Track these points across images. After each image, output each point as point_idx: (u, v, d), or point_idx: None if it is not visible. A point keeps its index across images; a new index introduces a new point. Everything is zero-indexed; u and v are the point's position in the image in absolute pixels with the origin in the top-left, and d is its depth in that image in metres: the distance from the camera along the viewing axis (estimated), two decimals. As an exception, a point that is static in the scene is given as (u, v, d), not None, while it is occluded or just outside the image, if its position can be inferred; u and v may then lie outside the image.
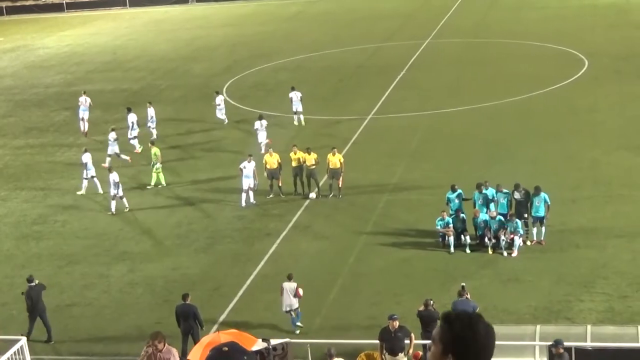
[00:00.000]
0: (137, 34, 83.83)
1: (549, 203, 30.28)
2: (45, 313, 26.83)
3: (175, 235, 33.82)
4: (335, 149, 36.50)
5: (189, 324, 24.46)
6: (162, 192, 38.54)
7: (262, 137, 42.08)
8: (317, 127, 46.19)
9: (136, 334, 26.26)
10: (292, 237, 32.63)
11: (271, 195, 36.57)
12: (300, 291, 25.93)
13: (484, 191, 31.14)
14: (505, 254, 29.46)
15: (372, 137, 43.70)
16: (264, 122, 42.66)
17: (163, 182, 39.25)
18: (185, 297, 24.75)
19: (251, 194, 36.01)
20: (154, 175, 39.25)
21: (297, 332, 25.84)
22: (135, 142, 44.57)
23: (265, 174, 36.53)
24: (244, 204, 35.82)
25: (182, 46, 74.40)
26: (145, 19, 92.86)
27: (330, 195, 35.95)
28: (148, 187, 39.23)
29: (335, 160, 35.93)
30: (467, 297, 23.76)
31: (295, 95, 47.02)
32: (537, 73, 53.33)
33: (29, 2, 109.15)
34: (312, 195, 36.25)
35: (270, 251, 31.55)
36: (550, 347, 21.37)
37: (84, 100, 49.30)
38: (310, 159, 36.18)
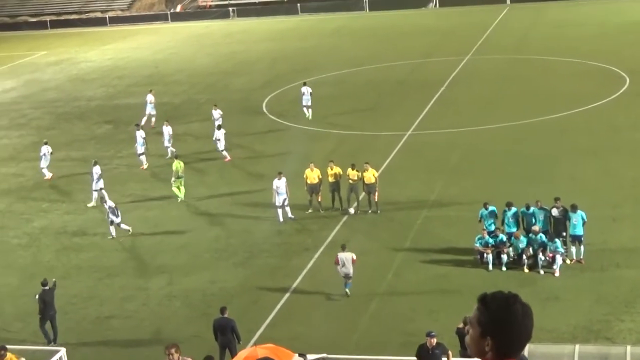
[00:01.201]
0: (178, 48, 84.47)
1: (586, 220, 30.04)
2: (55, 317, 27.34)
3: (213, 249, 33.97)
4: (368, 164, 36.40)
5: (227, 337, 24.54)
6: (200, 206, 38.75)
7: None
8: (357, 142, 46.23)
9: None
10: (330, 253, 32.58)
11: (310, 210, 36.63)
12: (354, 257, 28.89)
13: (531, 209, 30.79)
14: (542, 272, 29.25)
15: (411, 153, 43.66)
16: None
17: (181, 196, 39.26)
18: (223, 310, 24.84)
19: (288, 209, 36.09)
20: (176, 189, 39.35)
21: (349, 293, 28.64)
22: (143, 158, 44.83)
23: (306, 188, 36.58)
24: (281, 219, 35.91)
25: (222, 60, 74.84)
26: (187, 33, 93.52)
27: (369, 211, 35.93)
28: (179, 199, 39.48)
29: (369, 175, 35.90)
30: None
31: (306, 90, 51.60)
32: (577, 90, 52.99)
33: (72, 16, 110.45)
34: (351, 210, 36.25)
35: (308, 266, 31.58)
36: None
37: (152, 98, 53.27)
38: (354, 174, 36.16)
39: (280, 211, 35.90)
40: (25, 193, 42.97)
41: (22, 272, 33.06)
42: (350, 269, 28.77)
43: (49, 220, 38.75)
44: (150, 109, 53.17)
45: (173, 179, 39.56)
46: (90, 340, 27.33)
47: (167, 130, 46.05)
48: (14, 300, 29.41)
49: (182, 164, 39.71)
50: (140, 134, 44.73)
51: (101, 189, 39.22)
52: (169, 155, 45.20)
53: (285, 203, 35.91)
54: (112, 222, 35.67)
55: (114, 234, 35.79)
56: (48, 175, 44.25)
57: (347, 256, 28.90)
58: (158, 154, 44.90)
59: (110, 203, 35.70)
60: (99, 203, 39.02)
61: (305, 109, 51.42)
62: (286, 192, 35.84)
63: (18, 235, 37.35)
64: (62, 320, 28.76)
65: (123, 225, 35.85)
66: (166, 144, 46.01)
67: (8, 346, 23.84)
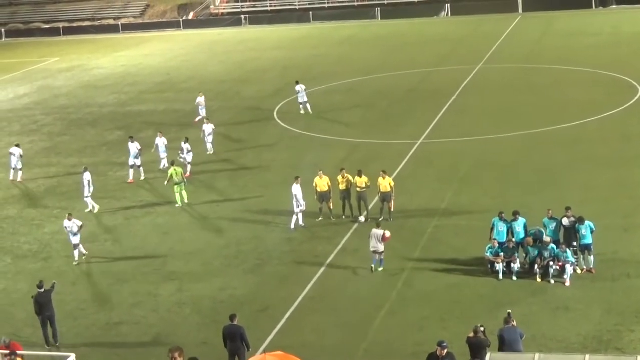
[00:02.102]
0: (190, 55, 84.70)
1: (594, 229, 29.94)
2: (54, 318, 27.46)
3: (223, 256, 33.98)
4: (385, 172, 36.41)
5: (236, 345, 24.50)
6: (211, 213, 38.78)
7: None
8: (367, 151, 46.23)
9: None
10: (340, 260, 32.61)
11: (321, 218, 36.60)
12: (387, 234, 30.90)
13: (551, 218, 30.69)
14: (553, 281, 29.16)
15: (422, 161, 43.62)
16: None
17: (179, 202, 39.90)
18: (232, 318, 24.81)
19: (300, 216, 36.12)
20: (178, 194, 39.88)
21: (381, 269, 30.97)
22: (131, 172, 44.31)
23: (316, 197, 36.57)
24: (293, 226, 35.93)
25: (234, 68, 75.01)
26: (199, 41, 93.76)
27: (381, 219, 35.86)
28: (176, 205, 39.95)
29: (385, 183, 35.84)
30: (513, 325, 23.54)
31: (301, 88, 54.74)
32: (589, 100, 52.90)
33: (85, 23, 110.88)
34: (362, 218, 36.21)
35: (319, 274, 31.54)
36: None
37: (202, 101, 54.78)
38: (361, 181, 36.11)
39: (294, 218, 35.93)
40: (36, 199, 43.10)
41: (33, 278, 33.00)
42: (378, 245, 30.89)
43: (60, 226, 38.76)
44: (201, 112, 54.23)
45: (166, 182, 40.35)
46: (99, 346, 27.33)
47: (162, 141, 45.58)
48: (25, 306, 29.42)
49: (178, 170, 40.10)
50: (135, 146, 44.27)
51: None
52: (166, 165, 44.10)
53: (301, 209, 35.95)
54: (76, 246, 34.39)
55: (76, 257, 34.48)
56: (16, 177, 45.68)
57: (378, 233, 30.98)
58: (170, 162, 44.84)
59: (76, 222, 34.34)
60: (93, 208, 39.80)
61: (302, 106, 54.87)
62: (303, 199, 35.92)
63: (29, 241, 37.44)
64: (72, 325, 28.85)
65: (81, 248, 34.62)
66: (161, 154, 45.32)
67: (19, 352, 23.87)
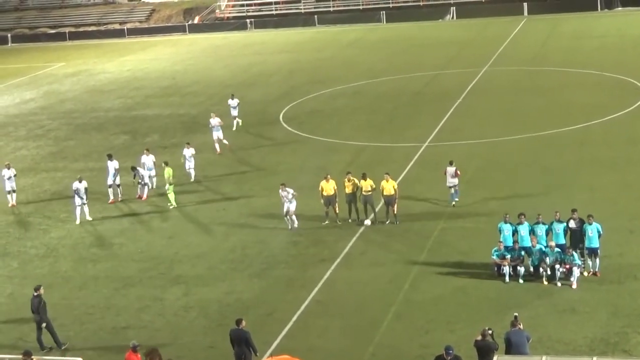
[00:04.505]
0: (195, 59, 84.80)
1: (602, 233, 29.88)
2: (40, 323, 27.48)
3: (229, 259, 34.00)
4: (389, 175, 36.40)
5: (242, 349, 24.51)
6: (216, 217, 38.81)
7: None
8: (373, 154, 46.24)
9: (190, 357, 26.42)
10: (346, 264, 32.61)
11: (327, 222, 36.60)
12: (458, 171, 37.06)
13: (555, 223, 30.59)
14: (559, 284, 29.12)
15: (428, 164, 43.58)
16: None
17: (174, 203, 40.31)
18: (238, 322, 24.78)
19: (294, 217, 36.15)
20: (170, 195, 40.32)
21: (453, 204, 36.99)
22: (110, 191, 42.26)
23: (322, 200, 36.57)
24: (290, 227, 36.08)
25: (239, 72, 75.09)
26: (204, 45, 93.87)
27: (387, 222, 35.87)
28: (170, 206, 40.33)
29: (389, 186, 35.82)
30: (519, 328, 23.51)
31: (233, 102, 53.42)
32: (595, 102, 52.86)
33: (91, 27, 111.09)
34: (367, 222, 36.20)
35: (325, 277, 31.54)
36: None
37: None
38: (367, 185, 36.09)
39: (287, 219, 36.27)
40: (43, 204, 43.15)
41: (39, 283, 33.05)
42: (453, 180, 37.18)
43: (67, 231, 38.90)
44: (234, 112, 53.76)
45: (167, 186, 40.53)
46: (106, 350, 27.36)
47: (150, 159, 43.15)
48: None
49: (171, 170, 40.59)
50: (113, 165, 42.18)
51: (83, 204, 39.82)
52: (154, 186, 43.15)
53: (290, 210, 36.14)
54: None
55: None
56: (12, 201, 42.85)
57: (451, 170, 37.31)
58: (178, 164, 44.85)
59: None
60: (83, 219, 39.66)
61: (234, 120, 53.46)
62: (294, 199, 36.09)
63: (36, 245, 37.51)
64: (79, 330, 28.92)
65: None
66: (150, 172, 42.97)
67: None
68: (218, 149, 48.65)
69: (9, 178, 42.61)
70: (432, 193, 39.18)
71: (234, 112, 53.64)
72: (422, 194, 39.17)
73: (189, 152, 44.21)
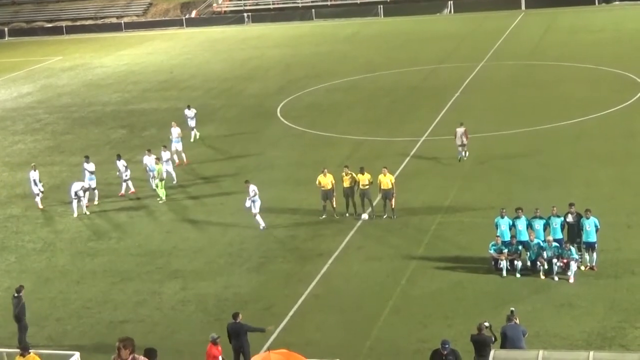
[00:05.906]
0: (193, 53, 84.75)
1: (599, 227, 29.90)
2: (21, 324, 27.41)
3: (227, 254, 34.00)
4: (386, 169, 36.39)
5: (240, 342, 24.54)
6: (214, 211, 38.81)
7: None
8: (371, 148, 46.24)
9: (187, 351, 26.44)
10: (344, 258, 32.63)
11: (324, 216, 36.61)
12: (467, 132, 41.32)
13: (552, 218, 30.58)
14: (556, 278, 29.15)
15: (426, 158, 43.61)
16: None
17: (163, 198, 40.88)
18: (235, 316, 24.80)
19: (258, 217, 36.10)
20: (159, 191, 40.92)
21: (460, 159, 41.55)
22: (86, 195, 40.46)
23: (320, 195, 36.56)
24: (261, 227, 36.06)
25: (237, 66, 75.06)
26: (202, 39, 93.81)
27: (385, 217, 35.89)
28: (159, 201, 40.73)
29: (386, 180, 35.83)
30: (516, 322, 23.53)
31: (190, 113, 50.66)
32: (592, 96, 52.89)
33: (88, 21, 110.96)
34: (365, 215, 36.21)
35: (322, 272, 31.56)
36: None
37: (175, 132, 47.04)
38: (364, 179, 36.11)
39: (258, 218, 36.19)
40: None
41: (37, 277, 33.19)
42: (463, 139, 41.72)
43: (64, 225, 38.89)
44: (192, 123, 50.93)
45: (156, 181, 41.10)
46: (104, 344, 27.31)
47: (152, 159, 42.03)
48: (29, 304, 29.30)
49: (161, 167, 41.27)
50: (90, 166, 41.93)
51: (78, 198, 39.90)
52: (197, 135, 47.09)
53: (254, 210, 36.07)
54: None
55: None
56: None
57: (461, 130, 41.80)
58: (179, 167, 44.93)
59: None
60: (80, 212, 39.80)
61: (192, 132, 50.45)
62: (254, 200, 36.02)
63: (33, 239, 37.50)
64: (77, 324, 28.92)
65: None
66: (155, 174, 41.72)
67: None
68: (177, 160, 46.02)
69: (34, 181, 41.46)
70: (430, 187, 39.20)
71: (192, 123, 50.50)
72: (419, 188, 39.18)
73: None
